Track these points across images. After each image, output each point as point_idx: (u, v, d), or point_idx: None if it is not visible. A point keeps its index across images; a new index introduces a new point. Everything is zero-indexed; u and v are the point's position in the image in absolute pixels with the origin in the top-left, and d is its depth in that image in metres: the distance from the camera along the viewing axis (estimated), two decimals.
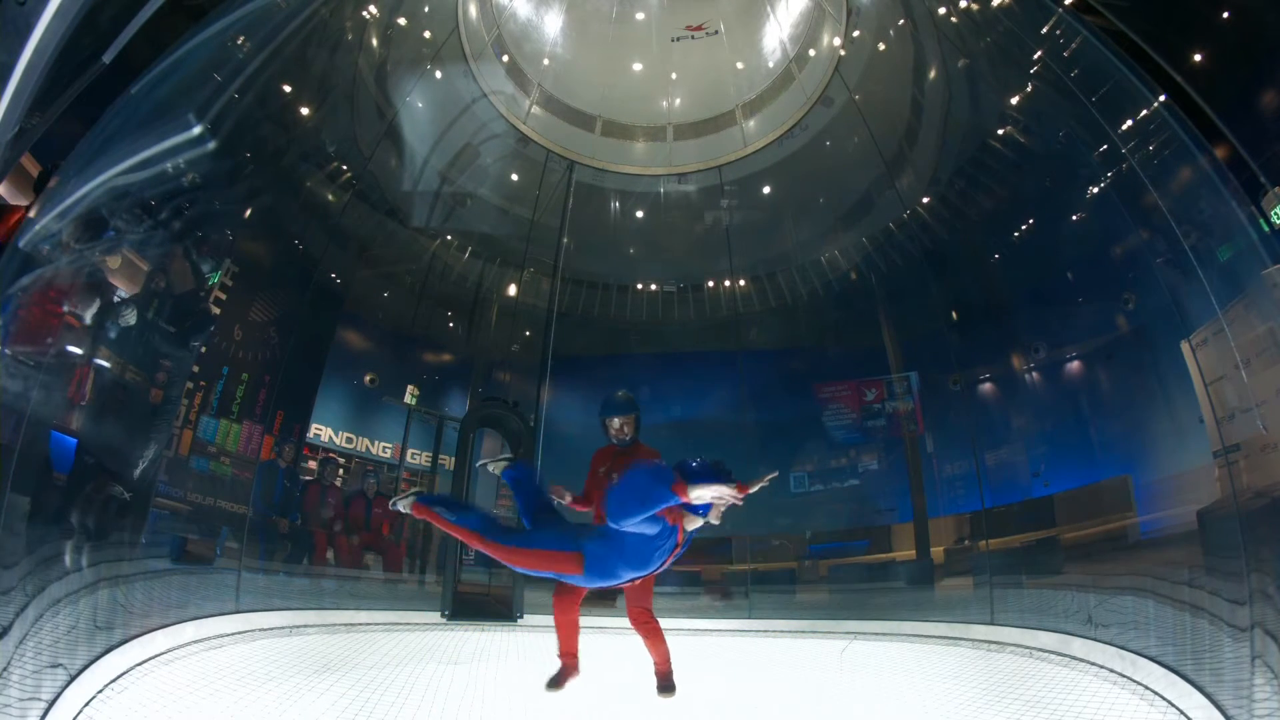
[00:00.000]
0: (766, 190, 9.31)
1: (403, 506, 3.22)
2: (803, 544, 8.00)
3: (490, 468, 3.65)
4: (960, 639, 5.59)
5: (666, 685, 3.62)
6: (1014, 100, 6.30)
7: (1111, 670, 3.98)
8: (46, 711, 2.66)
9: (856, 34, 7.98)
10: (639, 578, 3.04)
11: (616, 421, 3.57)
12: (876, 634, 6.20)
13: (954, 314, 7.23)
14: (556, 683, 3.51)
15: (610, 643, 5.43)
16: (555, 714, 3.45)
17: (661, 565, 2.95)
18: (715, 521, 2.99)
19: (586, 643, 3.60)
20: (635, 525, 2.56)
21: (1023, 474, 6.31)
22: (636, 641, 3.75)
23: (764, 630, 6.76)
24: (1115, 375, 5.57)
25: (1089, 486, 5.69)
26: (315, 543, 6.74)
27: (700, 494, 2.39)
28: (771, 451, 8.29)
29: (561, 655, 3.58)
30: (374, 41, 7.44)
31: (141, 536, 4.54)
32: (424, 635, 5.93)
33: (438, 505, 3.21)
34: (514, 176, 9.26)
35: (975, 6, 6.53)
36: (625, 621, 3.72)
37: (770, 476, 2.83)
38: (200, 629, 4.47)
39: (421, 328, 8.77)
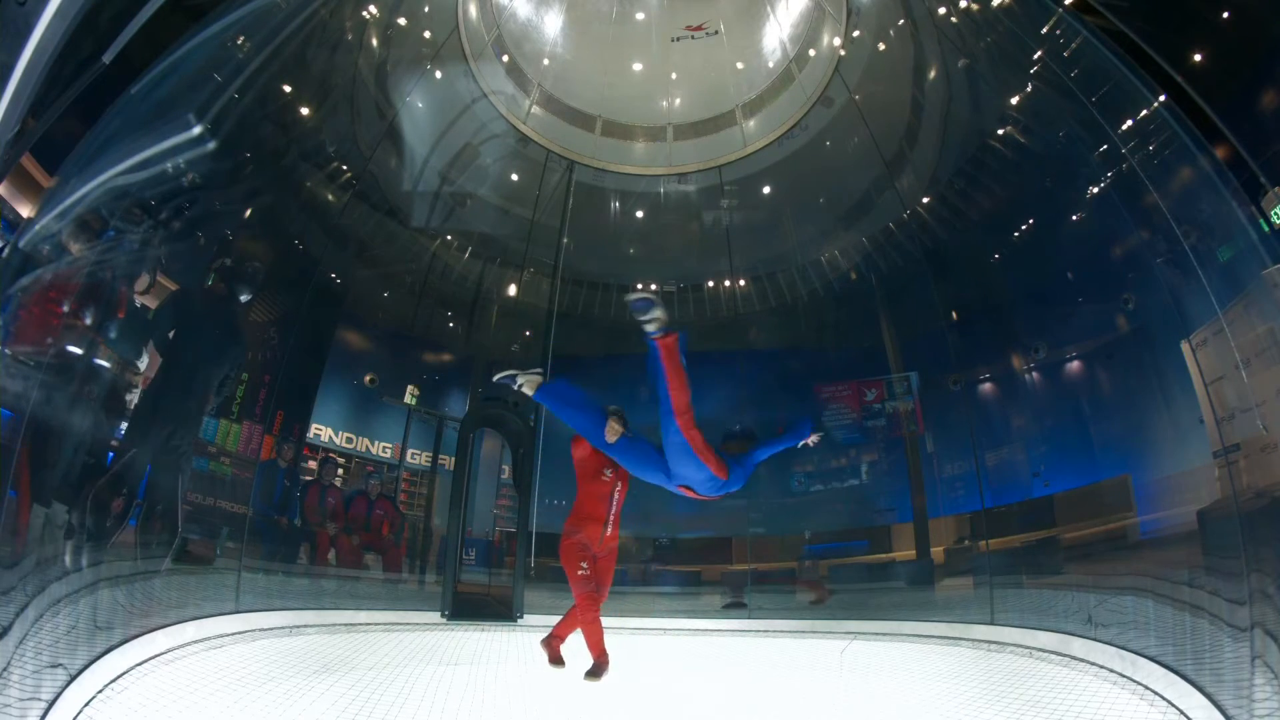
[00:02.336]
0: (766, 190, 9.30)
1: (525, 384, 3.57)
2: (802, 544, 8.01)
3: (521, 381, 3.68)
4: (960, 639, 5.59)
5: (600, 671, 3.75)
6: (1014, 100, 6.30)
7: (1111, 670, 3.98)
8: (46, 711, 2.66)
9: (856, 34, 7.97)
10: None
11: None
12: (876, 634, 6.20)
13: (954, 314, 7.23)
14: (597, 674, 3.70)
15: (608, 642, 5.43)
16: (555, 714, 3.46)
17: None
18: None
19: (581, 642, 3.64)
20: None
21: (1023, 474, 6.30)
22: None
23: (764, 630, 6.76)
24: (1115, 375, 5.56)
25: (1089, 486, 5.68)
26: (315, 543, 6.74)
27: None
28: None
29: (597, 656, 3.79)
30: (374, 41, 7.44)
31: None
32: (424, 635, 5.93)
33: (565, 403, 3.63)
34: (514, 176, 9.26)
35: (975, 6, 6.53)
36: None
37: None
38: (200, 629, 4.47)
39: (421, 328, 8.77)
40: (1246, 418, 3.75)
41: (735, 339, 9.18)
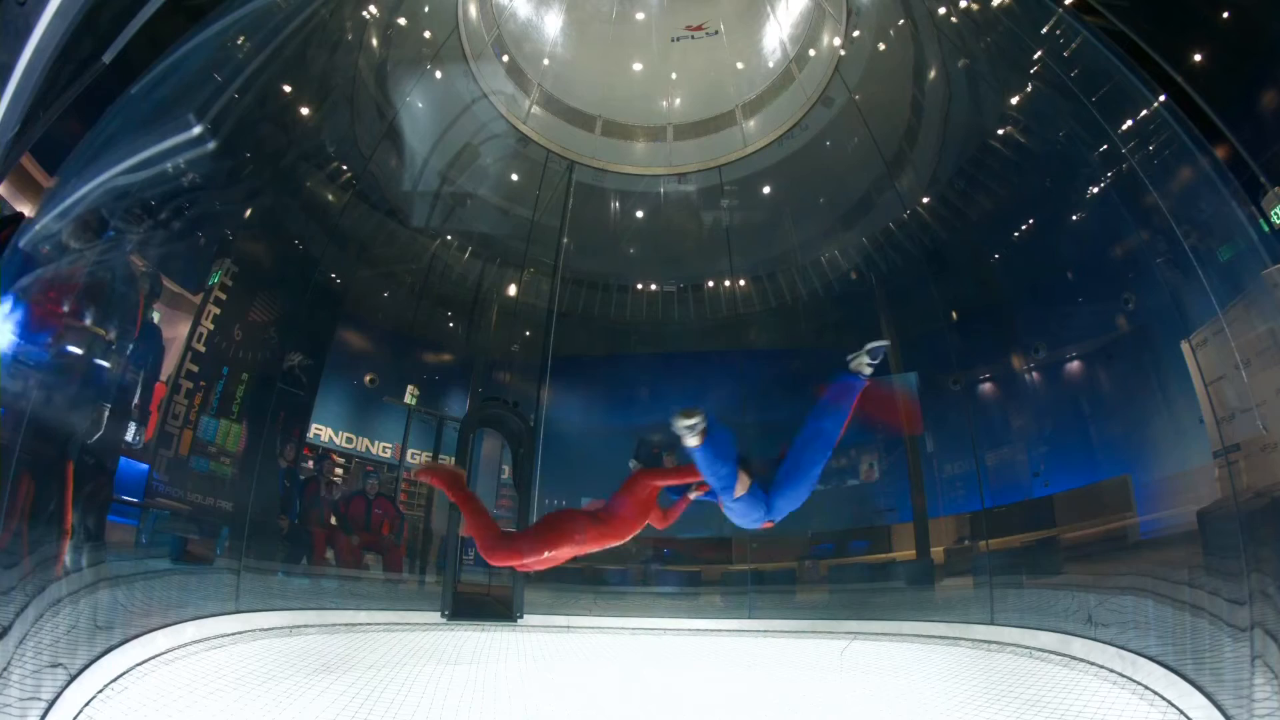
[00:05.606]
0: (766, 190, 9.30)
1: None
2: (803, 544, 7.99)
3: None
4: (960, 639, 5.59)
5: None
6: (1014, 100, 6.30)
7: (1111, 670, 3.97)
8: (46, 711, 2.66)
9: (856, 34, 7.97)
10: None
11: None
12: (876, 634, 6.20)
13: (954, 314, 7.23)
14: None
15: (609, 642, 5.43)
16: (555, 714, 3.46)
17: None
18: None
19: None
20: None
21: (1023, 474, 6.30)
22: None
23: (764, 630, 6.76)
24: (1115, 375, 5.56)
25: (1089, 486, 5.68)
26: (315, 543, 6.74)
27: None
28: (772, 452, 8.26)
29: None
30: (374, 41, 7.44)
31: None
32: (424, 635, 5.94)
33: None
34: (514, 176, 9.26)
35: (975, 6, 6.53)
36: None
37: None
38: (200, 629, 4.47)
39: (421, 328, 8.76)
40: (1246, 418, 3.75)
41: (735, 339, 9.18)
